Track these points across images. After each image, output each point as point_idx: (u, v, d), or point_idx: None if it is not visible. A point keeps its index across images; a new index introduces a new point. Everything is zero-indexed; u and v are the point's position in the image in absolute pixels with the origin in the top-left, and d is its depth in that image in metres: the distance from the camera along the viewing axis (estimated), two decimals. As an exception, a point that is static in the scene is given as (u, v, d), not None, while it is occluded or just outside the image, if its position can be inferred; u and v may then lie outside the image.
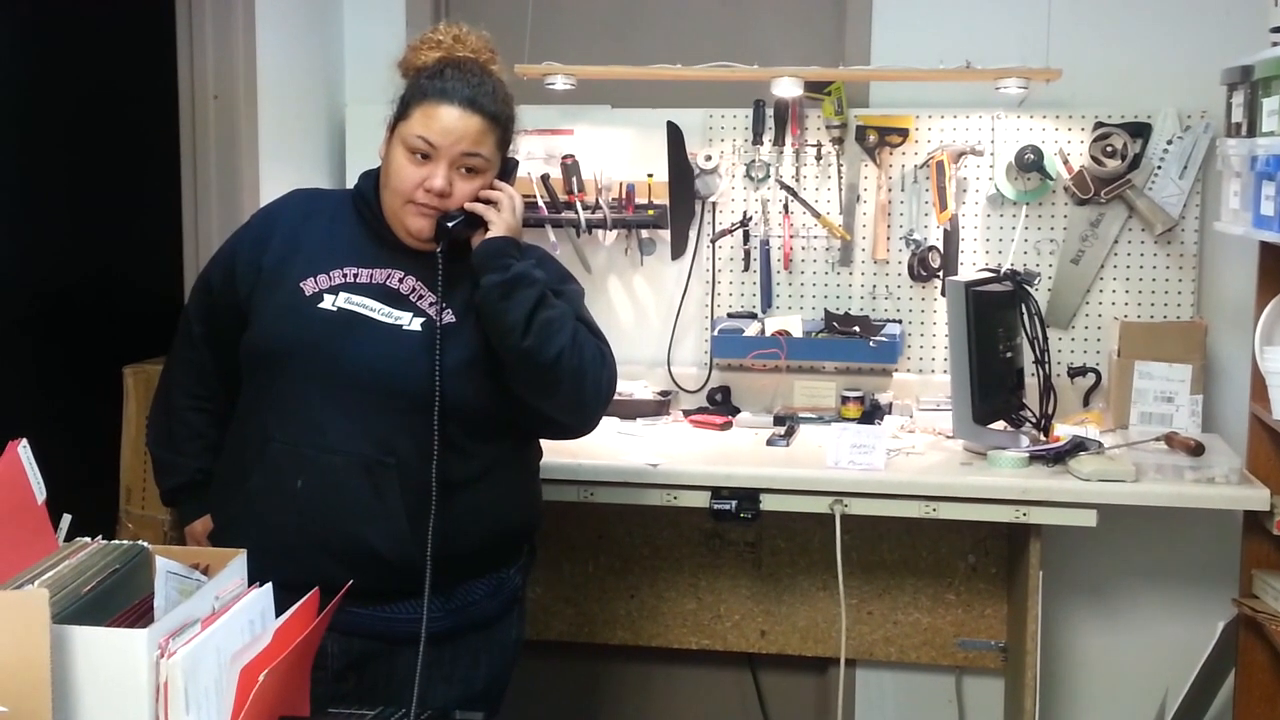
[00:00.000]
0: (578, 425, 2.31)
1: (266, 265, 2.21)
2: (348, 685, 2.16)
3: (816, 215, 3.44)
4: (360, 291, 2.16)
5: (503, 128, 2.19)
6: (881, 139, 3.39)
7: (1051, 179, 3.32)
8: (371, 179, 2.24)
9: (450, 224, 2.14)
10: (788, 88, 3.26)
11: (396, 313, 2.15)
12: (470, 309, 2.15)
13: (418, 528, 2.09)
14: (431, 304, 2.15)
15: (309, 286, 2.17)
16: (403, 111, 2.17)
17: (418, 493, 2.10)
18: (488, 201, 2.17)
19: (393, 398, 2.12)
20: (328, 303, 2.15)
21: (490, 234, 2.15)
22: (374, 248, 2.21)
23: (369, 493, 2.10)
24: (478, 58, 2.22)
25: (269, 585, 1.40)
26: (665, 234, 3.50)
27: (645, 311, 3.59)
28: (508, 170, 2.24)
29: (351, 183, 2.34)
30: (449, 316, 2.15)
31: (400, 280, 2.18)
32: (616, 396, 3.34)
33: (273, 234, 2.25)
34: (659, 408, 3.39)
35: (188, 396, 2.35)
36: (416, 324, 2.14)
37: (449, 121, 2.12)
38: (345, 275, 2.18)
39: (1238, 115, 2.84)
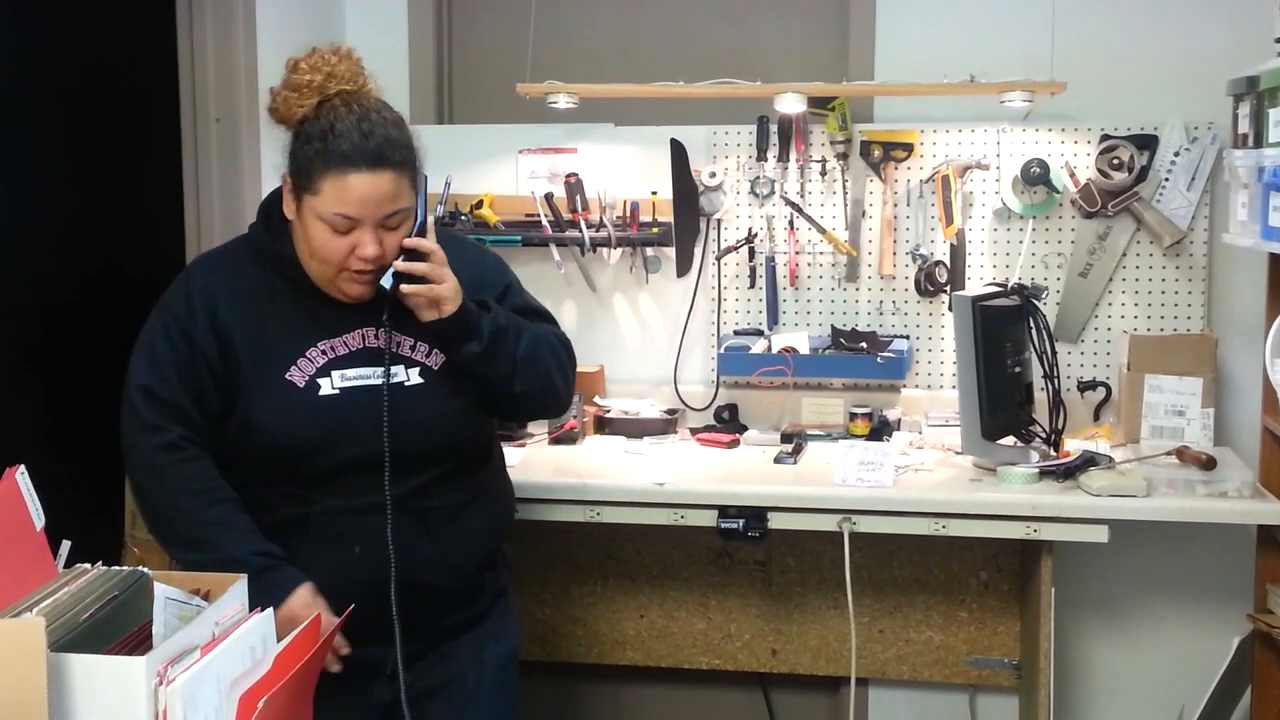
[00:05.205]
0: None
1: (241, 360, 2.09)
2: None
3: (822, 231, 3.43)
4: (346, 364, 2.11)
5: (411, 166, 2.07)
6: (886, 154, 3.38)
7: (1058, 192, 3.31)
8: (285, 239, 2.11)
9: (389, 288, 2.06)
10: (791, 103, 3.25)
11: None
12: None
13: (466, 555, 2.24)
14: (413, 347, 2.16)
15: (297, 377, 2.10)
16: (306, 184, 2.03)
17: (456, 523, 2.21)
18: (415, 254, 2.06)
19: (423, 452, 2.14)
20: (326, 388, 2.10)
21: (445, 310, 2.08)
22: (329, 313, 2.12)
23: (425, 540, 2.16)
24: (354, 87, 2.09)
25: (269, 611, 1.39)
26: (670, 251, 3.49)
27: (651, 330, 3.58)
28: (417, 188, 2.11)
29: None
30: (437, 358, 2.17)
31: (376, 335, 2.13)
32: (624, 415, 3.39)
33: (217, 326, 2.10)
34: (666, 426, 3.37)
35: (209, 502, 2.09)
36: (414, 376, 2.15)
37: (363, 189, 2.00)
38: (324, 352, 2.12)
39: (1244, 126, 2.83)
